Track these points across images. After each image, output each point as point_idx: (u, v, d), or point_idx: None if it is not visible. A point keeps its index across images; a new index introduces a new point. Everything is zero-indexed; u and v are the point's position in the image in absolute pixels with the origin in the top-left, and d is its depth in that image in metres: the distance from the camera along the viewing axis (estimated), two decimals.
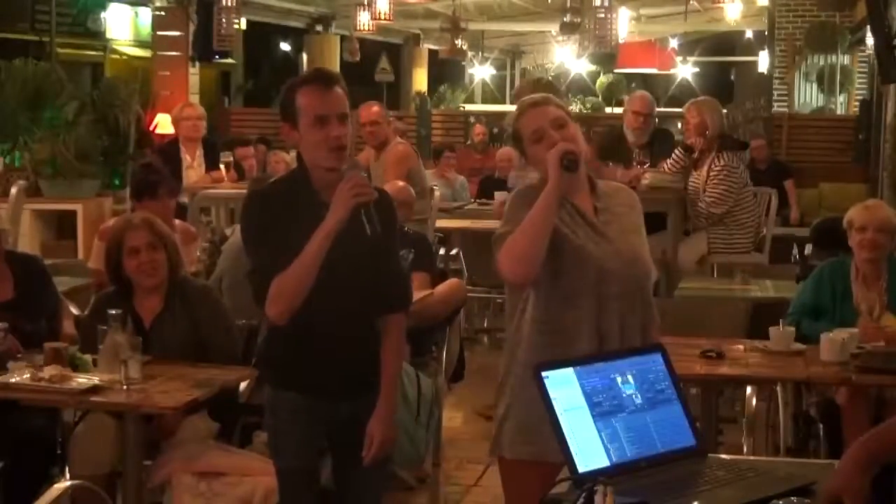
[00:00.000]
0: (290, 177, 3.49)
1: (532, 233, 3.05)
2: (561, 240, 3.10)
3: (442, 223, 8.63)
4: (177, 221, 5.93)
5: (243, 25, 15.42)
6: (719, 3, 13.29)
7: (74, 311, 5.17)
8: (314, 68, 3.54)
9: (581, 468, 2.44)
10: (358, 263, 3.27)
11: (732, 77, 25.71)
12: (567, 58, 21.07)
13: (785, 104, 14.64)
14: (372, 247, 3.24)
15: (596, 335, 3.10)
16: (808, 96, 15.80)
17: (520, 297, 3.19)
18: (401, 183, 6.35)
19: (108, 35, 16.00)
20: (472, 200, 9.97)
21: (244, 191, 7.86)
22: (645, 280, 3.20)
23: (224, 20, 12.50)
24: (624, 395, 2.61)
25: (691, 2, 15.67)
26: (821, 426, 4.62)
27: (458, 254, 8.69)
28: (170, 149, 8.73)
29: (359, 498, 3.49)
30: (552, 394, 2.51)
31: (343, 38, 17.58)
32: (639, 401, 2.62)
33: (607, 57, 19.54)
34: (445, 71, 23.11)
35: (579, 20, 12.56)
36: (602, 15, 11.18)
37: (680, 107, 8.12)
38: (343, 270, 3.25)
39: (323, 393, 3.36)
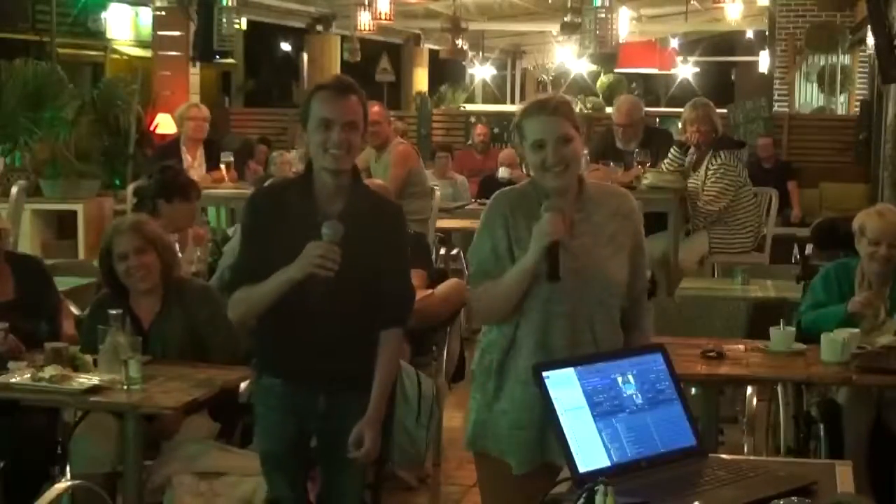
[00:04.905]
0: (292, 179, 3.59)
1: (504, 295, 3.12)
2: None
3: (442, 223, 8.62)
4: None
5: (244, 25, 15.43)
6: (720, 3, 13.27)
7: (74, 311, 5.16)
8: (335, 75, 3.63)
9: (582, 468, 2.44)
10: (351, 266, 3.31)
11: (733, 77, 25.70)
12: (567, 58, 21.05)
13: (785, 104, 14.62)
14: (379, 261, 3.37)
15: (541, 350, 3.11)
16: (808, 96, 15.78)
17: None
18: (380, 181, 6.34)
19: (109, 35, 15.99)
20: (473, 200, 9.96)
21: (244, 191, 7.91)
22: (606, 296, 3.14)
23: (224, 20, 12.48)
24: (624, 394, 2.61)
25: (692, 2, 15.66)
26: (821, 426, 4.61)
27: (458, 254, 8.66)
28: (171, 148, 8.72)
29: (337, 498, 3.58)
30: (553, 393, 2.52)
31: (343, 38, 17.56)
32: (639, 401, 2.62)
33: (608, 57, 19.47)
34: (446, 71, 23.08)
35: (580, 20, 12.50)
36: (602, 15, 11.13)
37: (680, 107, 8.09)
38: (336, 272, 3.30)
39: (302, 381, 3.44)
